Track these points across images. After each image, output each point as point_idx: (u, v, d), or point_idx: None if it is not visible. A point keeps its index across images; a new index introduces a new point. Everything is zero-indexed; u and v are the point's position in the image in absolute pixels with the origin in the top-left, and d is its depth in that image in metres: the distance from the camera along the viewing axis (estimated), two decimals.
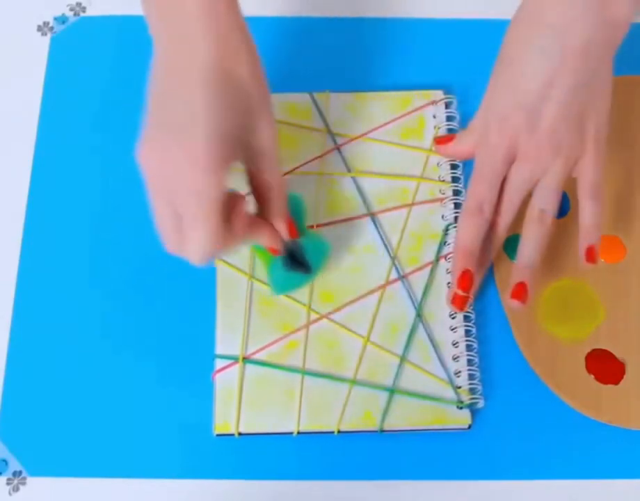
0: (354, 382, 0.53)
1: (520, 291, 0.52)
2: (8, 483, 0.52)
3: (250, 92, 0.46)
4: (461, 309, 0.54)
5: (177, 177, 0.45)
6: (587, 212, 0.53)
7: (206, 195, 0.44)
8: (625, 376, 0.53)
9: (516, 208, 0.54)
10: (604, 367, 0.53)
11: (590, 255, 0.53)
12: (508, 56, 0.53)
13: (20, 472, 0.52)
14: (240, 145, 0.47)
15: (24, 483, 0.52)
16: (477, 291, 0.55)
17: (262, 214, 0.50)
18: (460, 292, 0.53)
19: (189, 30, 0.45)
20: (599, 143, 0.53)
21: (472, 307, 0.55)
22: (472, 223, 0.54)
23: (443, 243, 0.57)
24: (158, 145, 0.45)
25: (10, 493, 0.52)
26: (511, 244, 0.56)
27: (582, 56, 0.50)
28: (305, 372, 0.53)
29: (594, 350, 0.54)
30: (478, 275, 0.54)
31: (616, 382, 0.53)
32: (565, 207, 0.57)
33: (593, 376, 0.53)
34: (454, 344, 0.54)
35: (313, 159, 0.59)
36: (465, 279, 0.53)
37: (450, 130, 0.59)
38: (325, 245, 0.54)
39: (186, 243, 0.46)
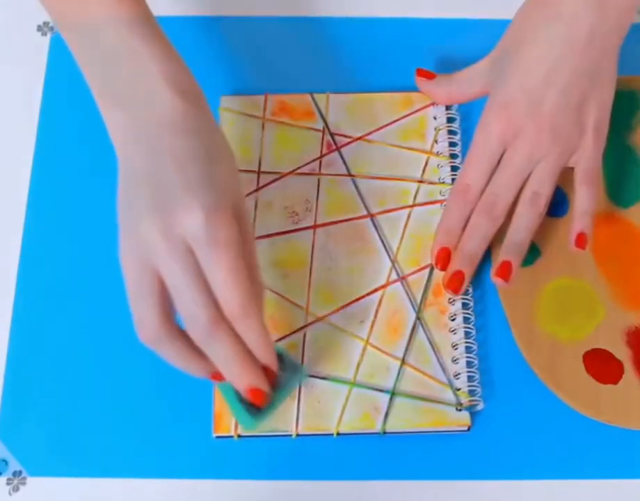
0: (353, 384, 0.53)
1: (505, 270, 0.53)
2: (7, 483, 0.52)
3: (213, 138, 0.46)
4: (455, 291, 0.54)
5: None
6: (580, 198, 0.54)
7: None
8: (624, 376, 0.53)
9: (513, 191, 0.54)
10: (604, 367, 0.53)
11: (581, 241, 0.54)
12: (517, 39, 0.54)
13: (20, 472, 0.52)
14: None
15: (24, 483, 0.52)
16: (474, 272, 0.55)
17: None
18: (437, 269, 0.55)
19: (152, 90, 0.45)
20: (598, 132, 0.54)
21: (471, 310, 0.55)
22: (457, 202, 0.55)
23: None
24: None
25: (10, 493, 0.52)
26: None
27: (585, 46, 0.52)
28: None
29: (593, 350, 0.54)
30: (469, 267, 0.54)
31: (615, 382, 0.53)
32: (565, 207, 0.57)
33: (592, 376, 0.53)
34: (454, 346, 0.54)
35: (313, 160, 0.59)
36: (441, 256, 0.54)
37: (451, 132, 0.59)
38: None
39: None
